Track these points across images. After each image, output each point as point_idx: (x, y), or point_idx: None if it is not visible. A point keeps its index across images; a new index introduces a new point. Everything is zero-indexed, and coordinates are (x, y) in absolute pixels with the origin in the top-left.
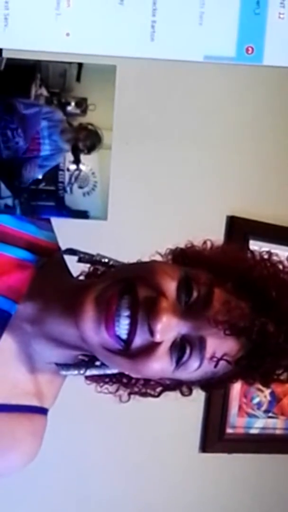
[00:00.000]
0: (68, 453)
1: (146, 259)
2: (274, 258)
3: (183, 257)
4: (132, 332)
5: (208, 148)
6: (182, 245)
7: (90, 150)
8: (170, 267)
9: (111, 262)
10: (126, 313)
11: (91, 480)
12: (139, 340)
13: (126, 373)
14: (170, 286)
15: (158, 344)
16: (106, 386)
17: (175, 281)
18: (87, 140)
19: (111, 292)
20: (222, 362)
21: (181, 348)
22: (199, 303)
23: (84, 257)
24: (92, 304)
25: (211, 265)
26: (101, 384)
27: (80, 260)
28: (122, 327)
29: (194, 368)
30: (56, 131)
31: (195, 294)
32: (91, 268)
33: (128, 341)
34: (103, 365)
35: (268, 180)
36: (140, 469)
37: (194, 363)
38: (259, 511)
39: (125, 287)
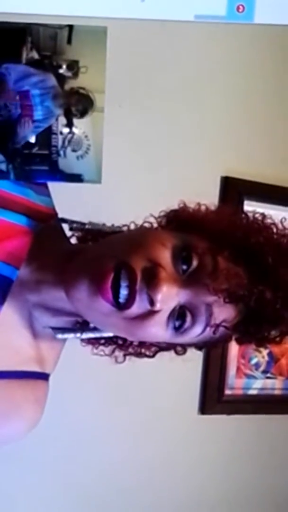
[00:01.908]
0: (67, 417)
1: (140, 221)
2: (268, 220)
3: (178, 221)
4: (130, 300)
5: (202, 109)
6: (176, 207)
7: (82, 114)
8: (163, 236)
9: (104, 229)
10: (125, 283)
11: (91, 444)
12: (136, 308)
13: (122, 335)
14: (165, 255)
15: (156, 311)
16: (102, 348)
17: (169, 249)
18: (79, 104)
19: (106, 267)
20: (220, 328)
21: (180, 316)
22: (201, 272)
23: (75, 226)
24: (84, 277)
25: (208, 232)
26: (97, 346)
27: (71, 229)
28: (122, 296)
29: (196, 334)
30: (48, 97)
31: (195, 263)
32: (84, 234)
33: (125, 307)
34: (98, 328)
35: (262, 140)
36: (140, 432)
37: (197, 329)
38: (258, 472)
39: (119, 262)
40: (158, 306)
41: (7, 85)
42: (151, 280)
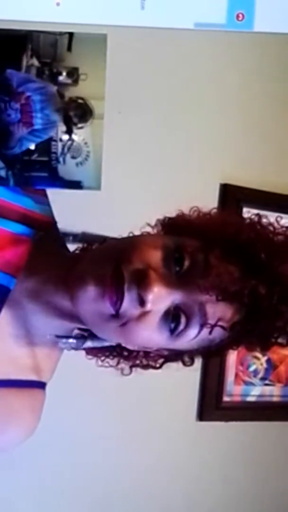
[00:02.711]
0: (66, 424)
1: (138, 228)
2: (264, 220)
3: (172, 227)
4: (117, 301)
5: (201, 116)
6: (174, 215)
7: (81, 118)
8: (153, 238)
9: (98, 239)
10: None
11: (88, 451)
12: (128, 309)
13: (120, 342)
14: (155, 257)
15: (148, 312)
16: (107, 360)
17: (160, 251)
18: (78, 110)
19: (106, 272)
20: (217, 329)
21: (175, 317)
22: (193, 271)
23: (68, 238)
24: (88, 280)
25: (199, 232)
26: (102, 358)
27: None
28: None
29: (192, 337)
30: (48, 105)
31: (187, 263)
32: (85, 244)
33: (116, 308)
34: (96, 336)
35: (261, 147)
36: (138, 439)
37: (192, 331)
38: (257, 479)
39: (115, 265)
40: (148, 306)
41: (13, 88)
42: (142, 281)
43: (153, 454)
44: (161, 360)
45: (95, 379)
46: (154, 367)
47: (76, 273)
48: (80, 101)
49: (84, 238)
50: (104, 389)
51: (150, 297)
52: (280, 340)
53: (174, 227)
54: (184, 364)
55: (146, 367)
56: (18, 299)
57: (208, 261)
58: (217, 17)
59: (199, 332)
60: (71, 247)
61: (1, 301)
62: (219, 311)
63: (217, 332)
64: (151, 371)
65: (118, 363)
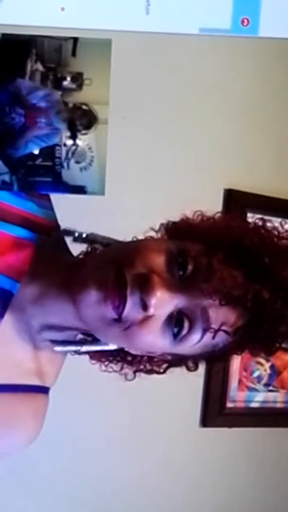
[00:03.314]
0: (67, 430)
1: (142, 233)
2: (268, 224)
3: (175, 231)
4: (120, 305)
5: (205, 121)
6: (178, 219)
7: (86, 128)
8: (156, 243)
9: (104, 241)
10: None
11: (91, 457)
12: (131, 313)
13: (123, 346)
14: (158, 261)
15: (151, 317)
16: (111, 365)
17: (163, 256)
18: (83, 118)
19: (109, 276)
20: (220, 333)
21: (178, 322)
22: (196, 275)
23: (78, 237)
24: (91, 284)
25: (202, 236)
26: (106, 363)
27: (75, 240)
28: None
29: (195, 341)
30: (53, 111)
31: (190, 267)
32: (89, 248)
33: (119, 312)
34: (99, 341)
35: (266, 152)
36: (140, 444)
37: (195, 335)
38: (260, 485)
39: (117, 269)
40: (151, 310)
41: (22, 96)
42: (144, 285)
43: (156, 460)
44: (164, 365)
45: (98, 384)
46: (158, 372)
47: (79, 278)
48: (84, 107)
49: (89, 238)
50: (108, 394)
51: (153, 301)
52: (284, 345)
53: (178, 232)
54: (188, 369)
55: (149, 372)
56: (21, 303)
57: (212, 265)
58: (222, 22)
59: (202, 337)
60: (75, 251)
61: (4, 305)
62: (222, 316)
63: (221, 337)
64: (154, 377)
65: (121, 368)
